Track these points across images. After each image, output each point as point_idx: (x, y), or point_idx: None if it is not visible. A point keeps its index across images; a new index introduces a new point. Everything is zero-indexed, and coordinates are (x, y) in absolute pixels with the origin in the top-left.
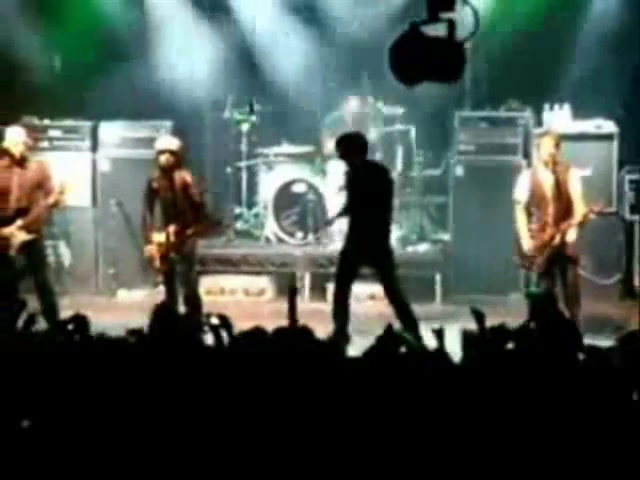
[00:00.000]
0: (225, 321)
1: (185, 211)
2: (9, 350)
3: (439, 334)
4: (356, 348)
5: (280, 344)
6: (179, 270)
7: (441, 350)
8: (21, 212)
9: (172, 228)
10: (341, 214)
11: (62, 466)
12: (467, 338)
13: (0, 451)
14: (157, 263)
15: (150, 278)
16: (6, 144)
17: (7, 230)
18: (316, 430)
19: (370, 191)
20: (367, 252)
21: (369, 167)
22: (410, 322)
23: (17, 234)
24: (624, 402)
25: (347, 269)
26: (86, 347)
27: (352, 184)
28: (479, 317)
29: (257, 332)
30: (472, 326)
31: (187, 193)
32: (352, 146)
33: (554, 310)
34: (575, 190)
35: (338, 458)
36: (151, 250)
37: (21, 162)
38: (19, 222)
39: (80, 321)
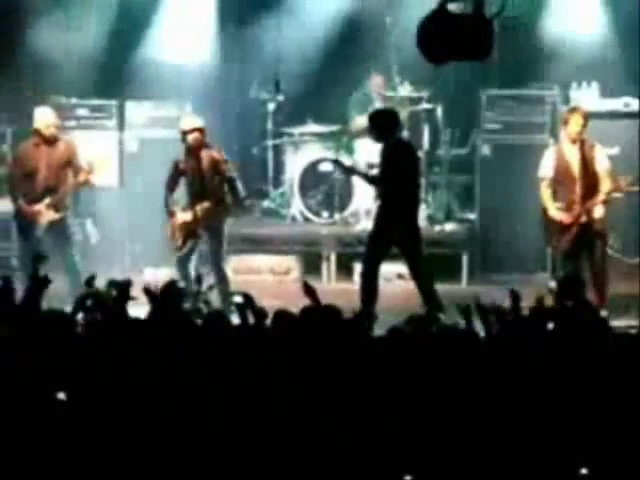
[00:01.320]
0: (249, 300)
1: (216, 189)
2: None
3: (467, 313)
4: (383, 327)
5: (307, 323)
6: (209, 247)
7: (469, 329)
8: (49, 191)
9: (202, 206)
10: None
11: (96, 438)
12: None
13: (36, 422)
14: (180, 241)
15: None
16: (36, 125)
17: (35, 208)
18: (341, 408)
19: (400, 169)
20: (397, 231)
21: (399, 145)
22: (434, 304)
23: (45, 212)
24: None
25: (377, 248)
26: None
27: (382, 162)
28: (515, 298)
29: (283, 314)
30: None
31: (218, 170)
32: (383, 123)
33: (581, 295)
34: (602, 167)
35: (364, 436)
36: (174, 226)
37: (50, 142)
38: (47, 200)
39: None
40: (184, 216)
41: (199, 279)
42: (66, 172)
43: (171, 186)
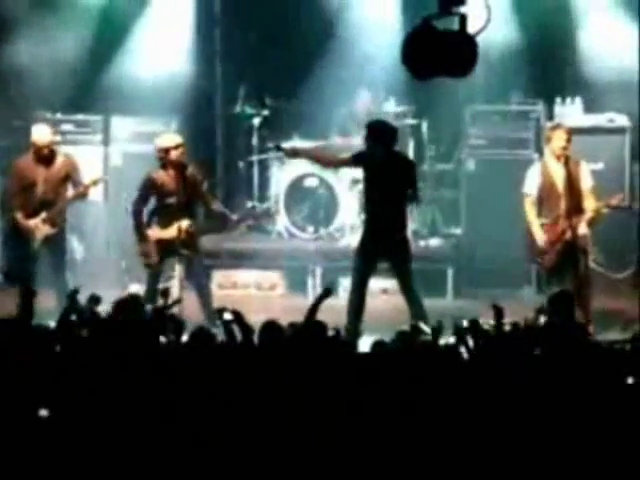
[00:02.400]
0: (238, 316)
1: (196, 206)
2: (28, 341)
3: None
4: (367, 343)
5: (295, 339)
6: (196, 265)
7: (454, 345)
8: (46, 205)
9: (184, 224)
10: None
11: (78, 455)
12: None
13: (19, 439)
14: (156, 258)
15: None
16: (34, 141)
17: (31, 222)
18: (324, 423)
19: (389, 181)
20: (385, 244)
21: (391, 157)
22: (421, 318)
23: (41, 227)
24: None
25: (365, 263)
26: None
27: (372, 173)
28: (498, 313)
29: (272, 327)
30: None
31: (197, 188)
32: (379, 133)
33: (572, 311)
34: (586, 185)
35: (347, 450)
36: (148, 244)
37: (48, 158)
38: (43, 215)
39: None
40: (163, 233)
41: (166, 293)
42: (64, 187)
43: (143, 205)
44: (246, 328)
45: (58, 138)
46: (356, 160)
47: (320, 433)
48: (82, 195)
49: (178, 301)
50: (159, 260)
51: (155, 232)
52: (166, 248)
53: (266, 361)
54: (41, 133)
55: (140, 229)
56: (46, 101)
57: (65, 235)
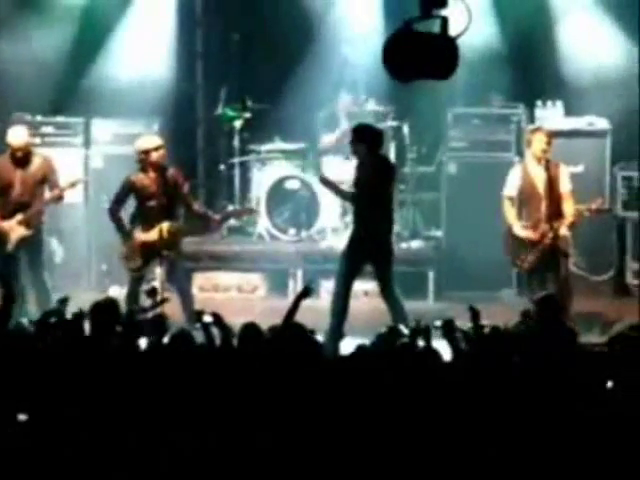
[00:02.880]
0: (218, 319)
1: (177, 208)
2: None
3: (426, 333)
4: (350, 345)
5: (274, 342)
6: (178, 267)
7: (429, 347)
8: (22, 207)
9: (166, 226)
10: None
11: (58, 459)
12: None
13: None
14: (139, 261)
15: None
16: (9, 143)
17: (6, 224)
18: (303, 426)
19: (375, 184)
20: (372, 247)
21: (376, 160)
22: (403, 321)
23: (16, 229)
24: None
25: (352, 266)
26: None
27: (358, 176)
28: (475, 314)
29: (251, 329)
30: (465, 323)
31: (179, 190)
32: (365, 137)
33: (557, 314)
34: (565, 188)
35: (327, 456)
36: (132, 246)
37: (24, 159)
38: (19, 216)
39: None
40: (146, 236)
41: (153, 292)
42: (41, 189)
43: (118, 205)
44: (226, 330)
45: (35, 140)
46: (361, 179)
47: (299, 435)
48: (58, 198)
49: (165, 300)
50: (142, 263)
51: (138, 235)
52: (149, 251)
53: (245, 363)
54: (16, 135)
55: (122, 229)
56: (26, 103)
57: (42, 236)
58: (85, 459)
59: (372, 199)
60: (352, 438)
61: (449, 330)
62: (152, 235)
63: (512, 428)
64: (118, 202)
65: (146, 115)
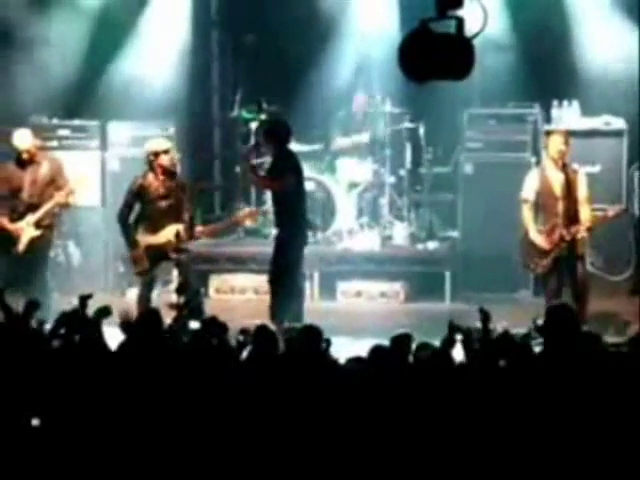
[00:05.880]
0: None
1: (185, 210)
2: (21, 349)
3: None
4: (366, 345)
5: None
6: (192, 268)
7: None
8: (32, 208)
9: (175, 228)
10: None
11: (70, 464)
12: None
13: (11, 448)
14: (147, 264)
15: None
16: (15, 145)
17: (17, 225)
18: (324, 429)
19: (302, 177)
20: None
21: (294, 155)
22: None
23: (27, 230)
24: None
25: (298, 256)
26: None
27: (291, 170)
28: (485, 317)
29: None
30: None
31: (184, 192)
32: (279, 133)
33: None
34: (582, 194)
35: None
36: (138, 251)
37: (31, 161)
38: (29, 218)
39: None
40: (152, 238)
41: (181, 288)
42: (51, 190)
43: (130, 210)
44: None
45: (52, 143)
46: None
47: (315, 436)
48: (64, 206)
49: (197, 292)
50: (149, 266)
51: (144, 238)
52: (155, 254)
53: (257, 366)
54: (21, 138)
55: (128, 235)
56: (42, 106)
57: (51, 237)
58: (97, 466)
59: (302, 190)
60: (365, 440)
61: (452, 330)
62: (159, 238)
63: (529, 431)
64: (128, 205)
65: (162, 117)
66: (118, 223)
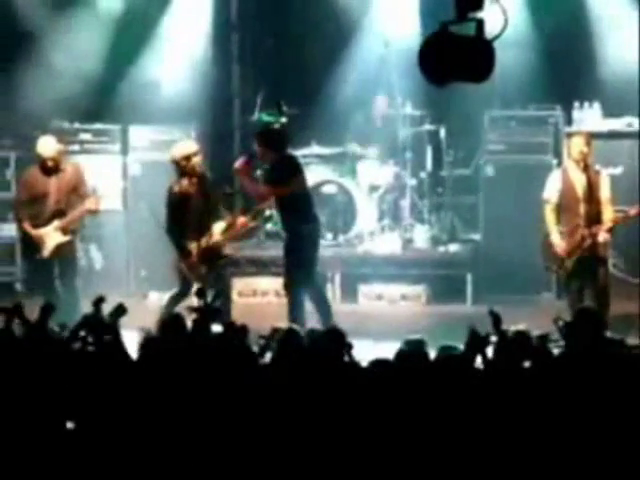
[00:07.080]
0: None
1: (217, 208)
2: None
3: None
4: (387, 349)
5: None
6: (222, 272)
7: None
8: (58, 214)
9: (220, 226)
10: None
11: (104, 466)
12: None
13: (46, 451)
14: (204, 269)
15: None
16: (39, 153)
17: (43, 231)
18: (341, 430)
19: (296, 181)
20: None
21: (293, 157)
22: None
23: (53, 235)
24: None
25: (311, 257)
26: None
27: (295, 172)
28: (496, 319)
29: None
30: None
31: (209, 193)
32: (272, 140)
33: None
34: (605, 196)
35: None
36: (192, 258)
37: (56, 168)
38: (55, 223)
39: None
40: (202, 242)
41: (200, 293)
42: (75, 195)
43: (176, 222)
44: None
45: (74, 147)
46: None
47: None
48: (93, 212)
49: (220, 293)
50: (208, 268)
51: (195, 244)
52: (209, 255)
53: (280, 369)
54: (46, 145)
55: (181, 246)
56: (64, 111)
57: (76, 243)
58: (129, 469)
59: (306, 193)
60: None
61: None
62: (210, 239)
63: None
64: (175, 221)
65: (183, 121)
66: (170, 240)
